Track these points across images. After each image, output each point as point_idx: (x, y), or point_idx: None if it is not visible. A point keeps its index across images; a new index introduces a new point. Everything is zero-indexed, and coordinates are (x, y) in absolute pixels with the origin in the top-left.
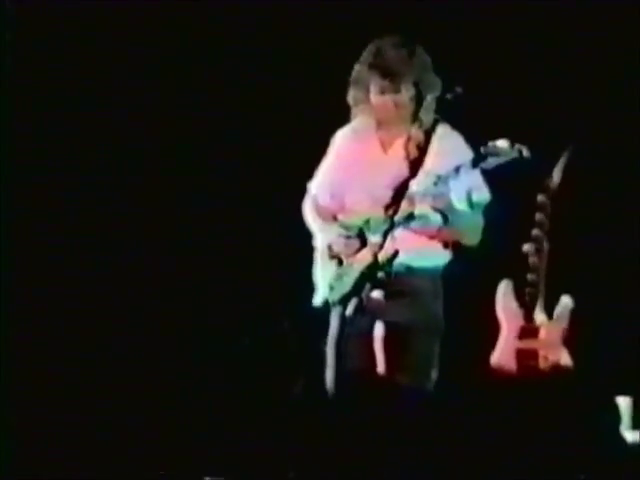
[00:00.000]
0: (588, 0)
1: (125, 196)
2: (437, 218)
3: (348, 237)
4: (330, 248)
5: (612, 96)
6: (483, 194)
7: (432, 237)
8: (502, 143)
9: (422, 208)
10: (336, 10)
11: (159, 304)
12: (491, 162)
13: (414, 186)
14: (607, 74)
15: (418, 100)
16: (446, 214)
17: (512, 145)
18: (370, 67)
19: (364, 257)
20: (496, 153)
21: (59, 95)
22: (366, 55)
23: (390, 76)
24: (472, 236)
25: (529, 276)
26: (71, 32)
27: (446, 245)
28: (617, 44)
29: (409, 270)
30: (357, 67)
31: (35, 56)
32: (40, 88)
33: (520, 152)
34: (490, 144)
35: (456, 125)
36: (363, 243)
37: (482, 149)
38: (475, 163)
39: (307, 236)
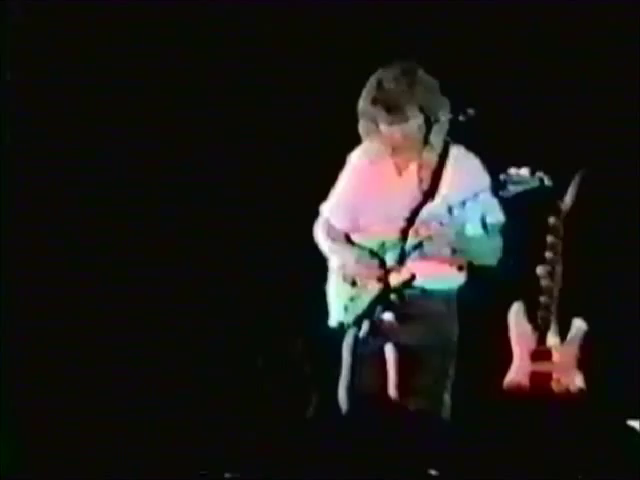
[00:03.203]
0: (603, 20)
1: (134, 213)
2: (447, 252)
3: (365, 260)
4: (344, 270)
5: (626, 119)
6: (497, 217)
7: (446, 262)
8: (523, 171)
9: (434, 240)
10: (352, 28)
11: (173, 322)
12: (511, 190)
13: (429, 210)
14: (623, 97)
15: (427, 124)
16: (455, 248)
17: (533, 173)
18: (373, 102)
19: (379, 280)
20: (517, 181)
21: (59, 95)
22: (368, 90)
23: (394, 109)
24: (488, 258)
25: (542, 298)
26: (71, 32)
27: (460, 268)
28: (634, 65)
29: (424, 292)
30: (361, 102)
31: (35, 56)
32: (40, 88)
33: (542, 180)
34: (511, 172)
35: (469, 145)
36: (381, 266)
37: (502, 177)
38: (495, 191)
39: (321, 257)
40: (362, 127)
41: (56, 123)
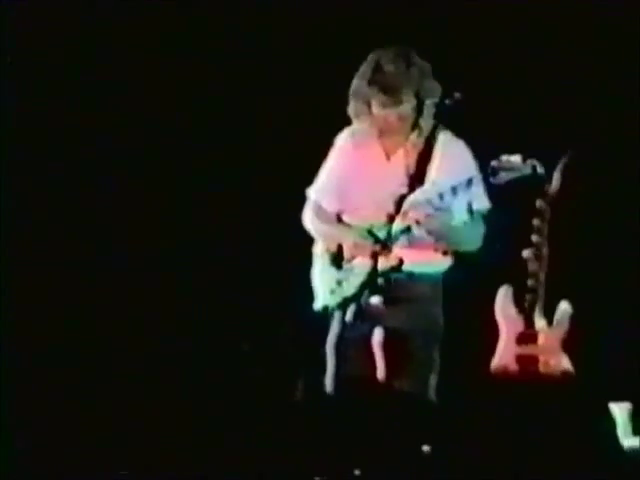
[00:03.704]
0: (589, 4)
1: (123, 197)
2: (431, 238)
3: (363, 238)
4: (344, 250)
5: (611, 101)
6: (483, 204)
7: (431, 247)
8: (515, 158)
9: (420, 225)
10: (337, 14)
11: (159, 309)
12: (503, 177)
13: (417, 195)
14: (607, 78)
15: (419, 108)
16: (438, 235)
17: (525, 160)
18: (369, 83)
19: (365, 262)
20: (509, 168)
21: (59, 95)
22: (364, 70)
23: (390, 91)
24: (471, 244)
25: (528, 282)
26: (71, 32)
27: (445, 253)
28: (616, 48)
29: (410, 276)
30: (356, 82)
31: (35, 56)
32: (40, 88)
33: (534, 168)
34: (503, 159)
35: (456, 130)
36: (377, 244)
37: (493, 163)
38: (486, 177)
39: (307, 240)
40: (353, 108)
41: (56, 123)
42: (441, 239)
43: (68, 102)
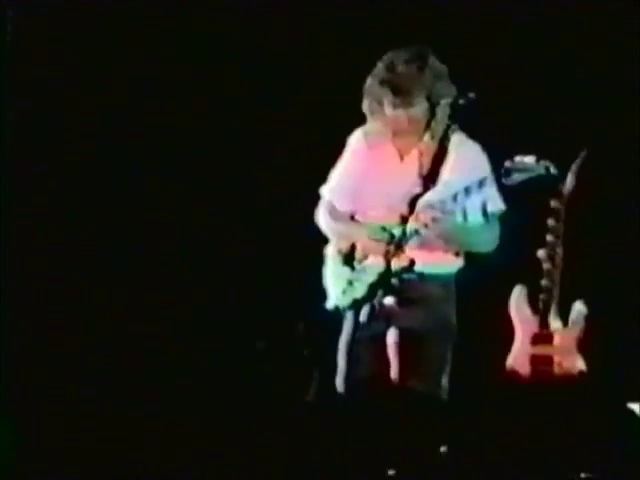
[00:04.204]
0: (604, 7)
1: (131, 198)
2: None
3: (378, 235)
4: (352, 250)
5: (627, 102)
6: (497, 205)
7: (442, 248)
8: (528, 159)
9: (430, 227)
10: (352, 14)
11: (174, 309)
12: (516, 178)
13: (430, 196)
14: (623, 80)
15: (432, 110)
16: (450, 237)
17: (538, 161)
18: (382, 83)
19: (377, 263)
20: (522, 169)
21: (59, 95)
22: (378, 69)
23: (401, 92)
24: (486, 246)
25: (543, 282)
26: (71, 32)
27: (457, 254)
28: (632, 49)
29: (421, 276)
30: (370, 80)
31: (35, 57)
32: (40, 88)
33: (547, 168)
34: (516, 159)
35: (470, 131)
36: (391, 242)
37: (507, 164)
38: (499, 178)
39: (321, 240)
40: (367, 106)
41: (56, 123)
42: (451, 242)
43: (68, 102)
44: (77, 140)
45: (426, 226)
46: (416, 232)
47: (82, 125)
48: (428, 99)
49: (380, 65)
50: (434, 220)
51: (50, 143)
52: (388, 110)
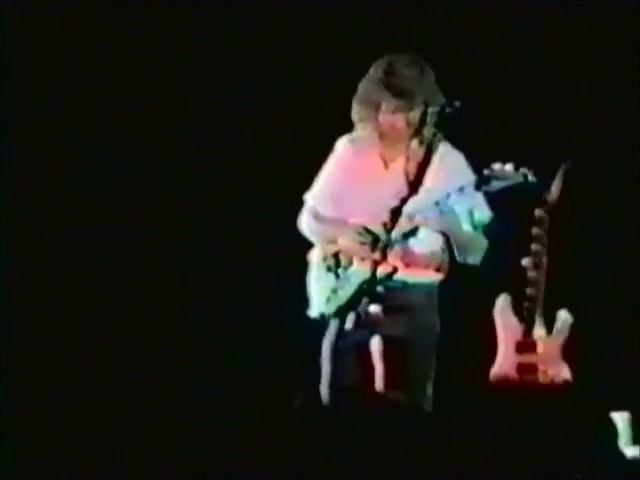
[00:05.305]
0: (589, 19)
1: (123, 201)
2: (438, 239)
3: (364, 236)
4: (337, 257)
5: (610, 111)
6: (484, 213)
7: (424, 264)
8: (507, 167)
9: (423, 228)
10: (338, 22)
11: (158, 317)
12: (495, 185)
13: (413, 204)
14: (606, 90)
15: (423, 116)
16: (447, 234)
17: (517, 169)
18: (382, 86)
19: (362, 270)
20: (501, 177)
21: (58, 95)
22: (377, 72)
23: (403, 95)
24: (474, 256)
25: (528, 290)
26: (71, 32)
27: (438, 270)
28: (615, 59)
29: (404, 285)
30: (366, 84)
31: (35, 57)
32: (40, 89)
33: (525, 176)
34: (495, 167)
35: (454, 139)
36: (376, 242)
37: (486, 171)
38: (479, 185)
39: (305, 247)
40: (357, 112)
41: (55, 123)
42: (453, 235)
43: (68, 102)
44: (77, 140)
45: (416, 229)
46: (414, 231)
47: (82, 125)
48: (425, 103)
49: (377, 68)
50: (434, 219)
51: (50, 143)
52: (385, 115)
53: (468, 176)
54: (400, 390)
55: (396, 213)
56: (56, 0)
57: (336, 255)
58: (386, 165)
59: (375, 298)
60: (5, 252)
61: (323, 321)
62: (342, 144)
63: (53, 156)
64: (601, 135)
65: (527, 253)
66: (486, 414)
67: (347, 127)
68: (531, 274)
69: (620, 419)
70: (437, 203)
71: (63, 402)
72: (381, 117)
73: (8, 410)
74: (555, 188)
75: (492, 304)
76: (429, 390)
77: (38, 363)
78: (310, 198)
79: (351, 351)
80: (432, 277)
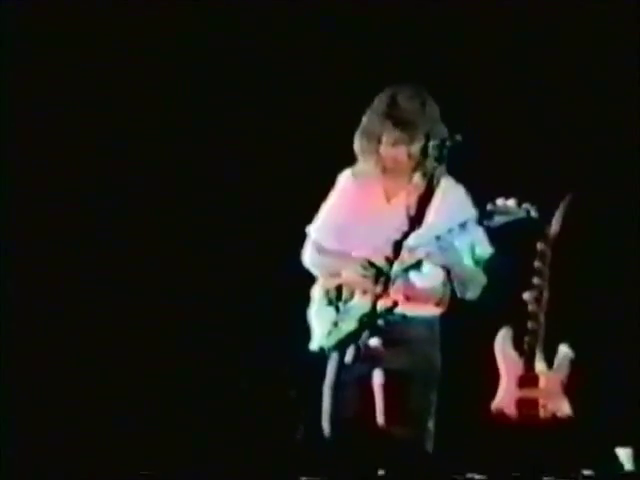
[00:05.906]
0: (586, 52)
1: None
2: (439, 273)
3: (367, 270)
4: (339, 290)
5: (611, 146)
6: (485, 249)
7: (424, 298)
8: (510, 202)
9: (425, 262)
10: (342, 54)
11: (158, 350)
12: (497, 220)
13: (415, 238)
14: (607, 124)
15: (425, 150)
16: (448, 269)
17: (520, 204)
18: (384, 117)
19: (363, 303)
20: (503, 212)
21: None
22: (379, 104)
23: (405, 127)
24: (473, 291)
25: (529, 324)
26: (71, 32)
27: (438, 304)
28: (616, 94)
29: (405, 319)
30: (369, 117)
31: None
32: (40, 89)
33: (528, 212)
34: (498, 202)
35: (455, 173)
36: (380, 276)
37: (489, 207)
38: (481, 220)
39: (308, 280)
40: (359, 145)
41: (56, 122)
42: (454, 269)
43: (68, 102)
44: (77, 140)
45: (420, 263)
46: (417, 264)
47: (82, 125)
48: (426, 136)
49: (380, 100)
50: (436, 253)
51: (50, 143)
52: (386, 147)
53: (470, 211)
54: (401, 425)
55: (398, 247)
56: (56, 0)
57: (338, 288)
58: (388, 199)
59: (375, 331)
60: (5, 252)
61: (323, 354)
62: (345, 177)
63: (53, 156)
64: (601, 170)
65: (528, 287)
66: (487, 448)
67: (350, 160)
68: (532, 308)
69: (624, 455)
70: (438, 238)
71: (63, 402)
72: (382, 149)
73: (8, 410)
74: (556, 222)
75: (493, 338)
76: (430, 425)
77: (38, 363)
78: (313, 231)
79: (352, 384)
80: (432, 311)
